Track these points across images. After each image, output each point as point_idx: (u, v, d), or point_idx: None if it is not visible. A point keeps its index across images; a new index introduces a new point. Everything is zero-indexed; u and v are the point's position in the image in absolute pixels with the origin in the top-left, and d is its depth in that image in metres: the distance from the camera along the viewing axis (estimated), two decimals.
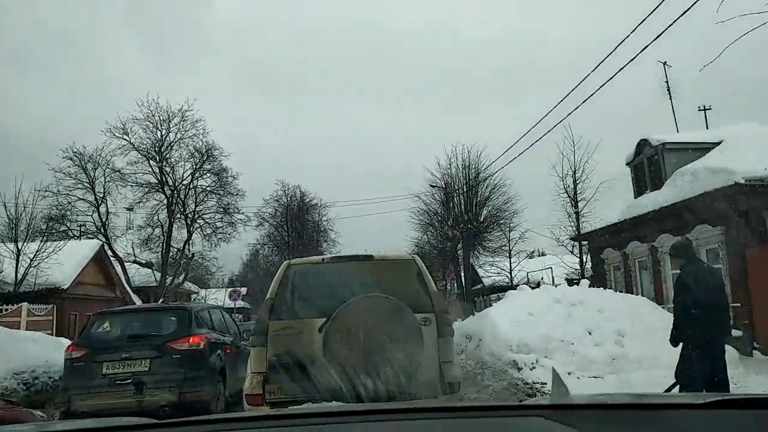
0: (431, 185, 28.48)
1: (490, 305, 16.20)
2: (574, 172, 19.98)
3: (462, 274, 27.51)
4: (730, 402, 1.03)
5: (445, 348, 4.71)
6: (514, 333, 9.01)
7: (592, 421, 0.94)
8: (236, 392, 6.73)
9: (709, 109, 18.37)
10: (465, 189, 27.07)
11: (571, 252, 22.20)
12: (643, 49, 10.68)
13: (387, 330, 4.26)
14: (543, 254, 28.72)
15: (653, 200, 14.98)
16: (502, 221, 26.56)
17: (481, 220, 27.10)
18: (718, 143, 14.30)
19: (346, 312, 4.35)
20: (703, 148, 14.62)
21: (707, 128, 17.54)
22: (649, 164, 16.22)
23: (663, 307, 11.27)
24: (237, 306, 30.05)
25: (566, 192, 20.15)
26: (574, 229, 19.92)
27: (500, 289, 24.01)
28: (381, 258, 5.26)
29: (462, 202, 27.29)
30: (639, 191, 16.72)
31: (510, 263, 25.87)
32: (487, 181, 26.13)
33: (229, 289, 31.72)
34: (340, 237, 37.39)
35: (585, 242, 20.29)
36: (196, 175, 27.24)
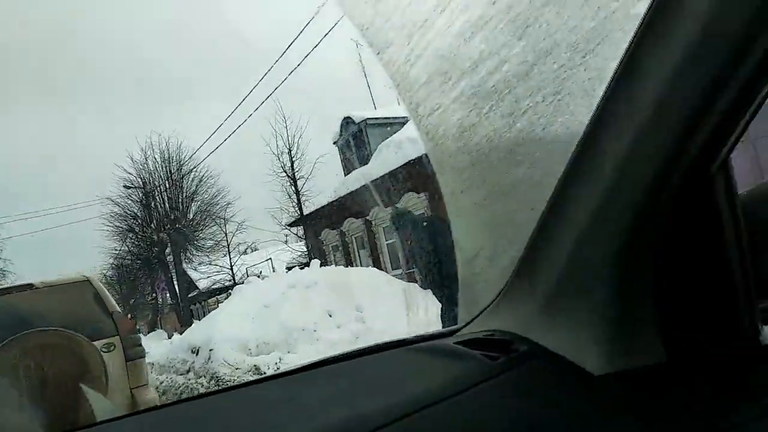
0: (125, 186, 24.76)
1: (210, 311, 14.54)
2: (290, 150, 19.44)
3: (175, 281, 24.70)
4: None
5: (136, 372, 4.50)
6: (251, 332, 7.77)
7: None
8: None
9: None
10: (168, 185, 24.23)
11: (293, 236, 21.76)
12: (332, 27, 10.74)
13: (59, 366, 3.89)
14: (254, 249, 27.33)
15: (363, 175, 15.35)
16: (215, 215, 24.51)
17: (191, 217, 24.64)
18: None
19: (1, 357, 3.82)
20: (400, 122, 15.53)
21: (399, 104, 18.88)
22: (354, 141, 16.62)
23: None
24: None
25: (284, 170, 19.47)
26: (297, 209, 19.42)
27: (221, 291, 22.23)
28: (45, 285, 4.63)
29: (165, 199, 24.37)
30: (348, 168, 17.05)
31: (230, 259, 24.12)
32: (193, 173, 23.83)
33: None
34: (11, 265, 29.36)
35: (302, 226, 20.03)
36: None
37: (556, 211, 0.71)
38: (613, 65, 0.62)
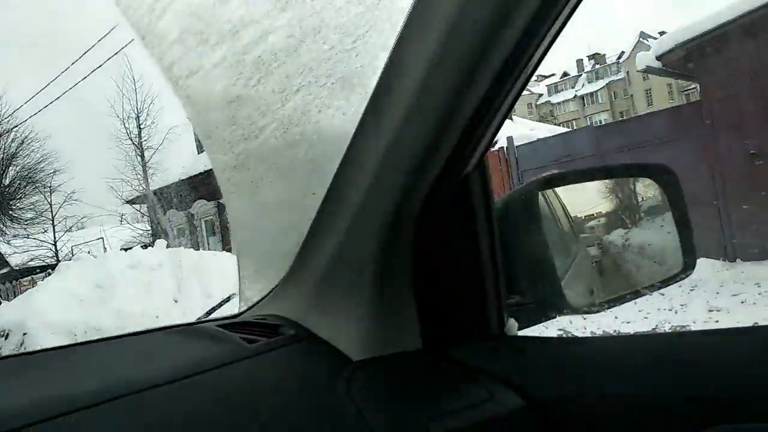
0: None
1: (24, 292, 12.58)
2: (138, 116, 17.53)
3: None
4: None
5: None
6: (78, 316, 6.78)
7: None
8: None
9: None
10: None
11: (134, 214, 19.72)
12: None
13: None
14: (82, 227, 24.24)
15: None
16: (38, 183, 21.21)
17: (7, 183, 21.14)
18: None
19: None
20: None
21: None
22: None
23: None
24: None
25: (130, 138, 17.45)
26: (141, 183, 17.58)
27: (41, 269, 19.48)
28: None
29: None
30: (202, 146, 15.95)
31: (54, 234, 21.11)
32: (13, 132, 20.47)
33: None
34: None
35: (145, 204, 18.31)
36: None
37: (332, 199, 0.71)
38: (384, 56, 0.60)
